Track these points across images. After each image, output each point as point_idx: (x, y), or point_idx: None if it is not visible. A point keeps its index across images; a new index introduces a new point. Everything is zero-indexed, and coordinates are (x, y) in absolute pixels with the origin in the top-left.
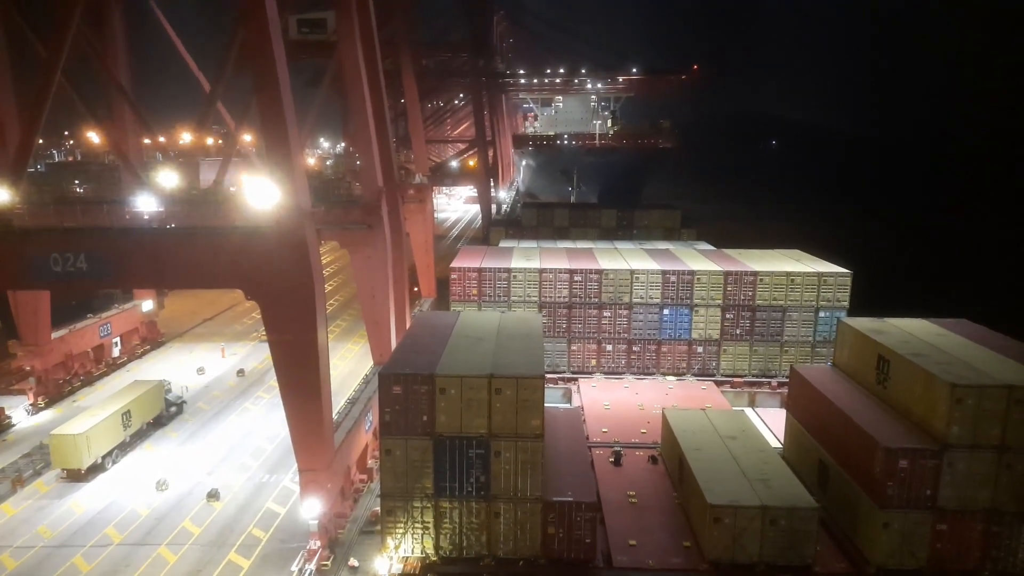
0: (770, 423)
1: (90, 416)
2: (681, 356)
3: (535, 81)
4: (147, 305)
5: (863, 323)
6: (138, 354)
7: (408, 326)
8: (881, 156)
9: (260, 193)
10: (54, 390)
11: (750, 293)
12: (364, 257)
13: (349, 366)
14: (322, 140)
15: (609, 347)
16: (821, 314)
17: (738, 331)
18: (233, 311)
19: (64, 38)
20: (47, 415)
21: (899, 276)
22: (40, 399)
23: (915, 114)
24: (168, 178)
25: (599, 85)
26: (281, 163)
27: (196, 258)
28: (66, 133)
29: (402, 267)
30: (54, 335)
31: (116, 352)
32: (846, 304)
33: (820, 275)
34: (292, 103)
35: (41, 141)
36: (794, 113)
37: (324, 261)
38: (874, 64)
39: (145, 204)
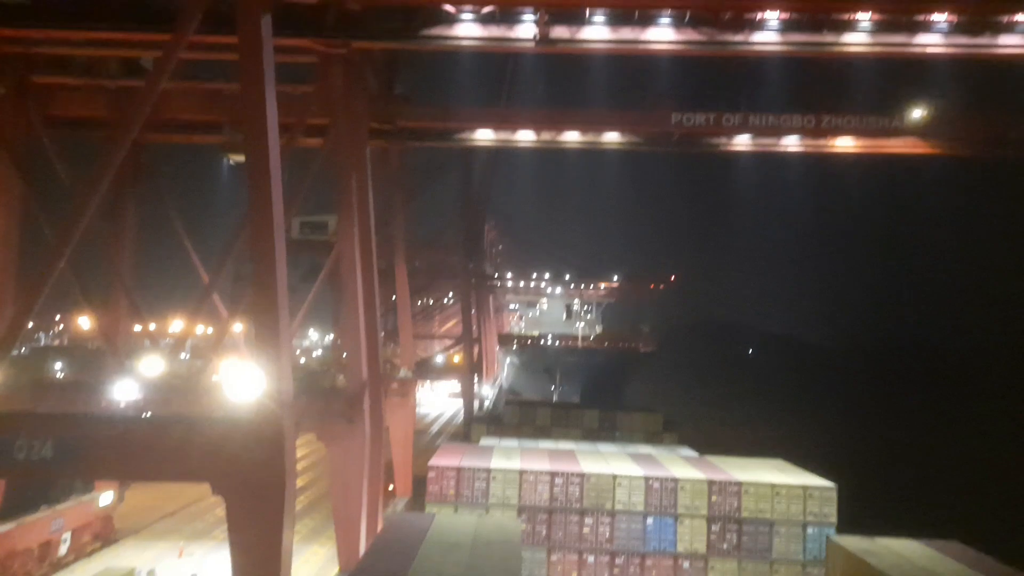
0: None
1: None
2: (666, 572)
3: (521, 284)
4: (106, 498)
5: (853, 543)
6: (87, 552)
7: (379, 529)
8: (865, 366)
9: (243, 382)
10: None
11: (735, 504)
12: (341, 451)
13: (312, 571)
14: (312, 330)
15: (591, 559)
16: (809, 530)
17: (725, 545)
18: (197, 506)
19: (76, 227)
20: None
21: (886, 489)
22: None
23: (893, 325)
24: (152, 365)
25: (582, 287)
26: (269, 353)
27: (168, 450)
28: (58, 317)
29: (379, 464)
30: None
31: (63, 550)
32: (834, 520)
33: (805, 488)
34: (287, 296)
35: (31, 324)
36: (771, 323)
37: (299, 454)
38: (852, 274)
39: (123, 391)
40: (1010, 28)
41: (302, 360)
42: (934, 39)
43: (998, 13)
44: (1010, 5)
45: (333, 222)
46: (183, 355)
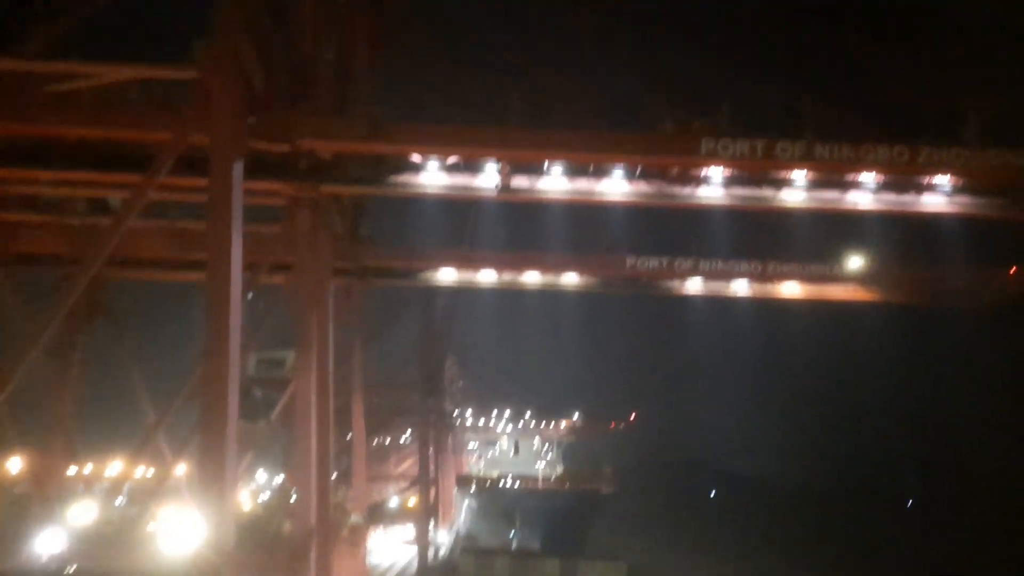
0: None
1: None
2: None
3: (481, 422)
4: None
5: None
6: None
7: None
8: (819, 506)
9: (181, 531)
10: None
11: None
12: None
13: None
14: (260, 471)
15: None
16: None
17: None
18: None
19: (19, 363)
20: None
21: None
22: None
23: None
24: (83, 511)
25: (543, 425)
26: (212, 498)
27: None
28: None
29: None
30: None
31: None
32: None
33: None
34: (236, 438)
35: None
36: (732, 462)
37: None
38: (807, 415)
39: (47, 543)
40: (930, 188)
41: (248, 505)
42: (864, 196)
43: (918, 175)
44: (928, 169)
45: (291, 358)
46: (119, 500)
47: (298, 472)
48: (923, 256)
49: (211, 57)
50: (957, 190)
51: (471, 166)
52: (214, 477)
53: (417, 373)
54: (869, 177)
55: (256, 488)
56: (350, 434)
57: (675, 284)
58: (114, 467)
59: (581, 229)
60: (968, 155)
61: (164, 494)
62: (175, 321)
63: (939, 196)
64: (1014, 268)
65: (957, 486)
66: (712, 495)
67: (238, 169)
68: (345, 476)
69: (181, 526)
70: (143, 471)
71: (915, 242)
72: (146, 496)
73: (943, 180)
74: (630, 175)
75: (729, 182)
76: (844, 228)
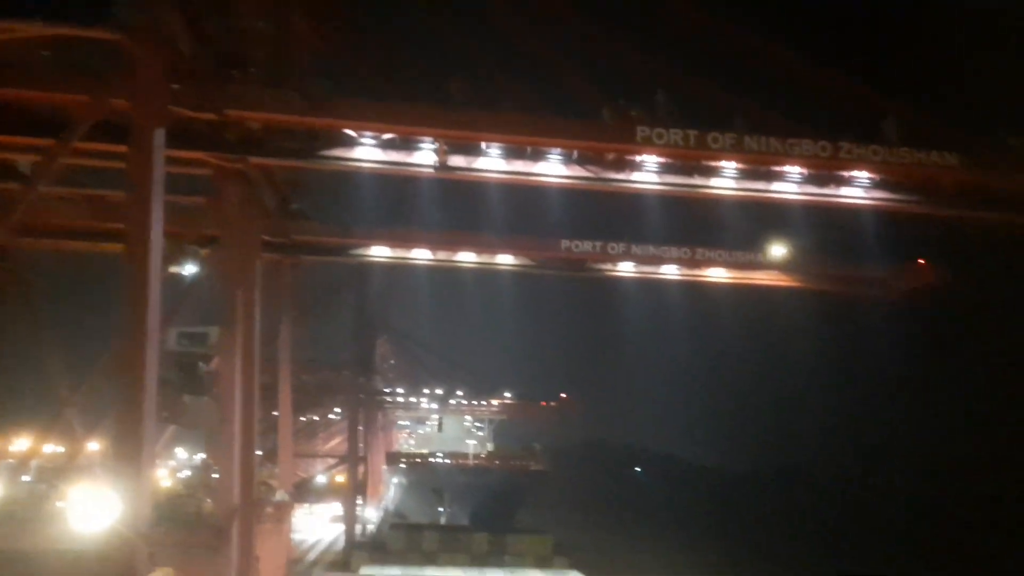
0: None
1: None
2: None
3: (413, 400)
4: None
5: None
6: None
7: None
8: (741, 487)
9: (94, 510)
10: None
11: None
12: None
13: None
14: (179, 449)
15: None
16: None
17: None
18: None
19: None
20: None
21: None
22: None
23: (766, 448)
24: None
25: (474, 403)
26: (128, 473)
27: None
28: None
29: None
30: None
31: None
32: None
33: None
34: (154, 415)
35: None
36: (658, 442)
37: None
38: (734, 398)
39: None
40: (849, 182)
41: (167, 482)
42: (789, 187)
43: (839, 169)
44: (848, 164)
45: (215, 333)
46: (25, 478)
47: (220, 449)
48: (842, 247)
49: (135, 19)
50: (875, 185)
51: (408, 143)
52: (131, 453)
53: (350, 352)
54: (794, 170)
55: (176, 465)
56: (276, 413)
57: (608, 267)
58: (20, 444)
59: (518, 211)
60: (885, 153)
61: (74, 471)
62: (89, 292)
63: (858, 190)
64: (923, 260)
65: (880, 468)
66: (638, 472)
67: (160, 137)
68: (271, 454)
69: (94, 504)
70: (52, 448)
71: (835, 234)
72: (55, 473)
73: (862, 175)
74: (567, 159)
75: (663, 169)
76: (770, 218)
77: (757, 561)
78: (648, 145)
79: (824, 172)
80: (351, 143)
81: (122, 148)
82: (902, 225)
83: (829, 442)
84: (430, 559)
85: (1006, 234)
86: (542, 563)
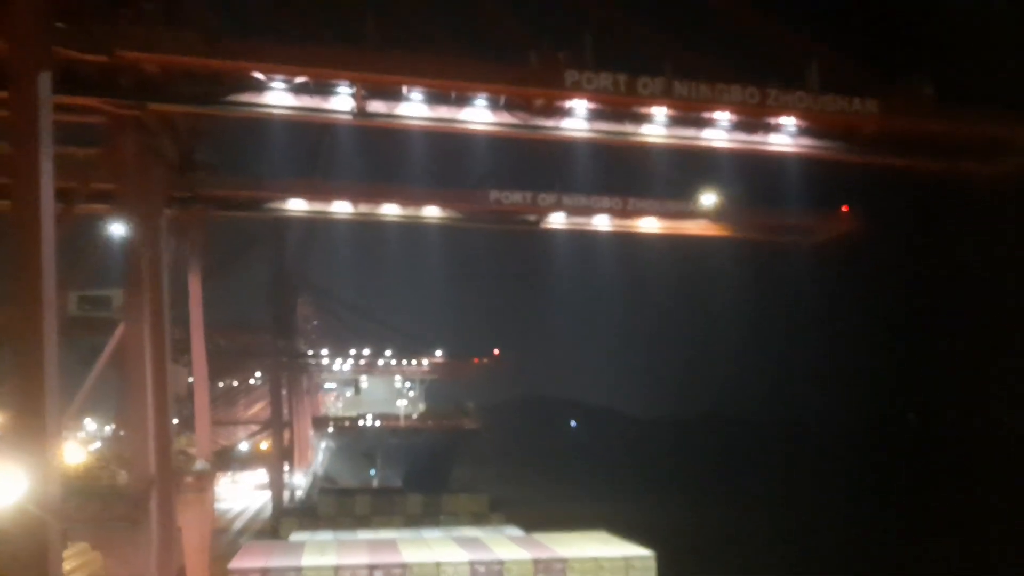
0: None
1: None
2: None
3: (338, 362)
4: None
5: None
6: None
7: None
8: (675, 437)
9: None
10: None
11: None
12: (121, 561)
13: None
14: (88, 420)
15: None
16: None
17: None
18: None
19: None
20: None
21: (701, 555)
22: None
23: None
24: None
25: (404, 363)
26: (32, 448)
27: None
28: None
29: (170, 572)
30: None
31: None
32: None
33: (626, 559)
34: (57, 382)
35: None
36: (593, 396)
37: (69, 567)
38: (667, 348)
39: None
40: (776, 129)
41: (79, 456)
42: (719, 134)
43: (766, 115)
44: (775, 110)
45: (118, 297)
46: None
47: (133, 419)
48: (768, 196)
49: None
50: (800, 132)
51: (323, 88)
52: (33, 425)
53: (268, 314)
54: (724, 116)
55: (85, 437)
56: (191, 379)
57: (539, 219)
58: None
59: (444, 161)
60: (810, 99)
61: None
62: None
63: (785, 137)
64: (846, 207)
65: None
66: (573, 426)
67: (44, 81)
68: (188, 423)
69: None
70: None
71: (762, 181)
72: None
73: (789, 122)
74: (494, 105)
75: (592, 116)
76: (700, 166)
77: (678, 496)
78: (577, 90)
79: (752, 119)
80: (260, 88)
81: (2, 95)
82: (825, 172)
83: (746, 383)
84: (363, 523)
85: (919, 180)
86: (478, 520)
